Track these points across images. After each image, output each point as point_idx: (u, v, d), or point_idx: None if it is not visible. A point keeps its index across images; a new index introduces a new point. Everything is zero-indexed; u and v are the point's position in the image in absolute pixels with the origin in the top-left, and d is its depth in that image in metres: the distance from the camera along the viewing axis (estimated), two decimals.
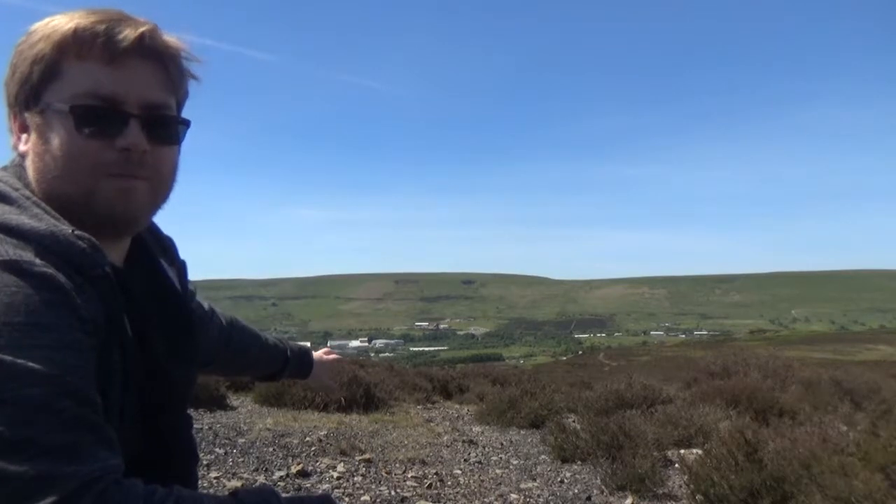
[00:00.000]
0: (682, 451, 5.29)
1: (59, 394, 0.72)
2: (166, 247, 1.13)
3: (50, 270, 0.77)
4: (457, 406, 8.96)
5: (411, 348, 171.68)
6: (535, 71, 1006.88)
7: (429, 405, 8.79)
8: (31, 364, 0.71)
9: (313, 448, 5.32)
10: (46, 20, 0.89)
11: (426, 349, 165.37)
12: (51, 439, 0.70)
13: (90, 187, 0.87)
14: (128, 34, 0.87)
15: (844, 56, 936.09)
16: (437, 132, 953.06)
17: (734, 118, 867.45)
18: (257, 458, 4.91)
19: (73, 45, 0.86)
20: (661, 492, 4.46)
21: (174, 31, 0.94)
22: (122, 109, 0.88)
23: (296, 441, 5.49)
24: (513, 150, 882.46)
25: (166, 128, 0.93)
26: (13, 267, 0.76)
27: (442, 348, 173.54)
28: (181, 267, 1.16)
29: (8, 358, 0.70)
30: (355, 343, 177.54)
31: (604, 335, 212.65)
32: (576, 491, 4.61)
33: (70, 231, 0.83)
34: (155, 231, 1.12)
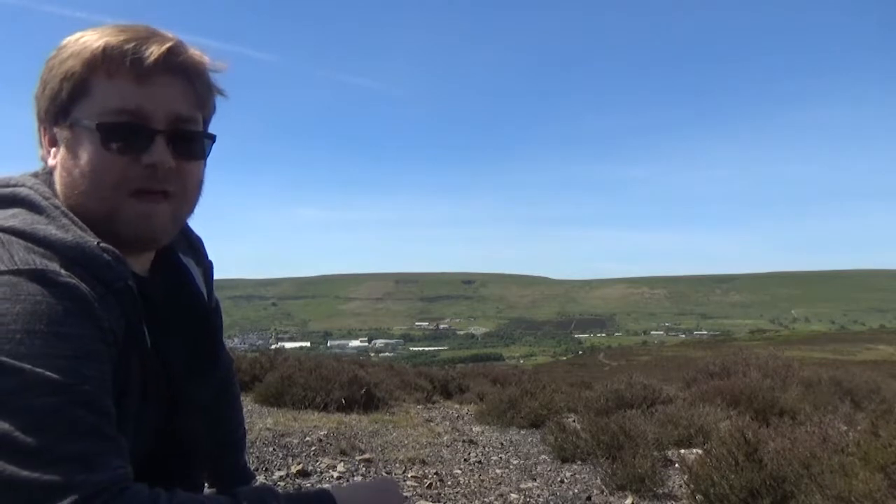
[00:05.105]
0: (682, 451, 5.28)
1: (74, 403, 0.74)
2: (195, 246, 1.16)
3: (74, 281, 0.80)
4: (457, 406, 8.96)
5: (411, 348, 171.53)
6: (535, 70, 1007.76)
7: (429, 405, 8.79)
8: (48, 373, 0.73)
9: (313, 448, 5.32)
10: (77, 35, 0.90)
11: (426, 349, 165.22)
12: (64, 447, 0.72)
13: (114, 205, 0.89)
14: (154, 51, 0.87)
15: (844, 56, 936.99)
16: (437, 131, 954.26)
17: (734, 118, 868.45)
18: (257, 457, 4.91)
19: (103, 64, 0.87)
20: (661, 492, 4.45)
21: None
22: (148, 125, 0.89)
23: (296, 441, 5.49)
24: (513, 150, 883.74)
25: (192, 143, 0.94)
26: (39, 276, 0.78)
27: (442, 348, 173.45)
28: (208, 267, 1.18)
29: (27, 366, 0.73)
30: (355, 343, 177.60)
31: (604, 335, 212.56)
32: (576, 491, 4.61)
33: (95, 243, 0.85)
34: (184, 229, 1.12)
